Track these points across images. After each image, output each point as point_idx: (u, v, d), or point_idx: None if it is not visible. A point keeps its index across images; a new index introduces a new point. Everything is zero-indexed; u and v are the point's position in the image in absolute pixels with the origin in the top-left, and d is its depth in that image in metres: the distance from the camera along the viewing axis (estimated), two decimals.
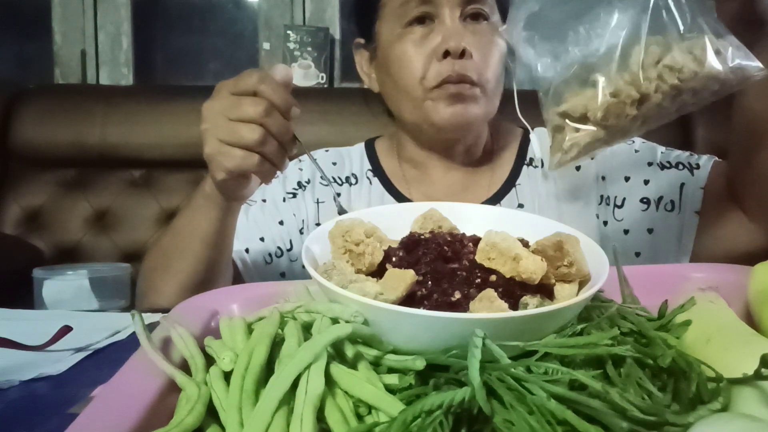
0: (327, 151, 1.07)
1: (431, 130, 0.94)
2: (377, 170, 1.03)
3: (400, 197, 1.00)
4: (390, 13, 0.93)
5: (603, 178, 0.96)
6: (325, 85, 2.12)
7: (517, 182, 1.00)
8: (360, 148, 1.08)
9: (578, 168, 0.99)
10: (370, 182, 1.02)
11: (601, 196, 0.96)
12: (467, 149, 0.99)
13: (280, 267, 0.97)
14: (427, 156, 1.00)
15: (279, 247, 0.97)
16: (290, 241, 0.98)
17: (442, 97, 0.89)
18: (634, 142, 0.99)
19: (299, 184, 1.01)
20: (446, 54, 0.87)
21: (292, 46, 2.10)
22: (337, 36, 2.20)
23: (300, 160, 1.06)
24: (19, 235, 1.71)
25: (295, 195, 1.00)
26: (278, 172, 0.74)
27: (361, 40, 1.01)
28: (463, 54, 0.87)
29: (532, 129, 1.05)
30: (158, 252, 0.87)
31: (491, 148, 1.03)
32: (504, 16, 0.97)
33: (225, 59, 2.36)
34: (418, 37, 0.90)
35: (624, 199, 0.94)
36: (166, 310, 0.55)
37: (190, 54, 2.38)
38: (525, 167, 1.01)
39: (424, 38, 0.90)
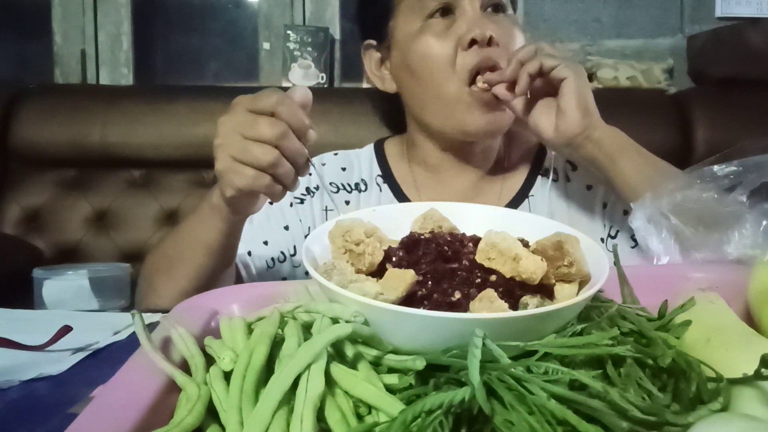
0: (336, 154, 1.05)
1: (459, 136, 0.92)
2: (387, 176, 1.02)
3: None
4: (407, 9, 0.91)
5: (605, 205, 0.96)
6: (325, 85, 2.12)
7: (531, 193, 0.98)
8: (369, 151, 1.06)
9: (589, 187, 0.98)
10: (380, 189, 1.01)
11: (604, 224, 0.96)
12: (483, 151, 0.98)
13: (282, 272, 0.96)
14: (441, 158, 0.98)
15: (282, 252, 0.96)
16: (294, 247, 0.96)
17: (475, 103, 0.87)
18: None
19: (307, 190, 0.99)
20: (472, 43, 0.86)
21: (292, 46, 2.10)
22: (337, 36, 2.20)
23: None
24: (19, 235, 1.71)
25: (302, 201, 0.99)
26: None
27: (372, 42, 0.99)
28: (490, 42, 0.86)
29: None
30: (161, 255, 0.86)
31: (504, 155, 1.02)
32: (514, 10, 0.96)
33: (225, 59, 2.36)
34: (440, 29, 0.88)
35: (617, 231, 0.94)
36: (166, 310, 0.55)
37: (190, 54, 2.38)
38: (540, 178, 1.00)
39: (447, 29, 0.88)
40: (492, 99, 0.86)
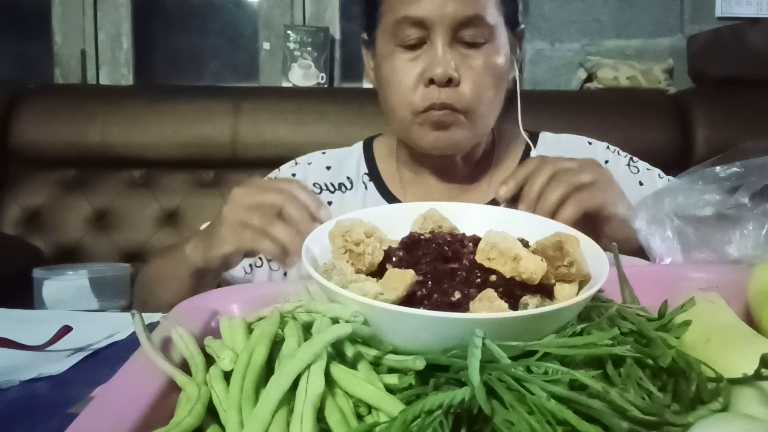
0: (324, 153, 1.06)
1: (417, 149, 0.94)
2: (373, 174, 1.02)
3: (395, 202, 0.99)
4: (385, 29, 0.91)
5: None
6: (325, 85, 2.12)
7: None
8: (358, 149, 1.07)
9: None
10: (366, 187, 1.01)
11: None
12: (463, 158, 0.98)
13: (259, 278, 0.97)
14: (422, 161, 0.99)
15: (260, 257, 0.96)
16: None
17: (426, 122, 0.89)
18: (638, 170, 0.98)
19: None
20: (431, 81, 0.86)
21: (292, 46, 2.10)
22: (337, 36, 2.20)
23: (296, 163, 1.05)
24: (19, 235, 1.71)
25: None
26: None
27: (366, 38, 1.00)
28: (450, 82, 0.86)
29: (537, 133, 1.04)
30: (149, 275, 0.90)
31: (493, 152, 1.02)
32: (512, 25, 0.95)
33: (225, 59, 2.36)
34: (407, 58, 0.89)
35: None
36: (166, 310, 0.55)
37: (190, 54, 2.38)
38: None
39: (414, 61, 0.88)
40: (439, 119, 0.88)
